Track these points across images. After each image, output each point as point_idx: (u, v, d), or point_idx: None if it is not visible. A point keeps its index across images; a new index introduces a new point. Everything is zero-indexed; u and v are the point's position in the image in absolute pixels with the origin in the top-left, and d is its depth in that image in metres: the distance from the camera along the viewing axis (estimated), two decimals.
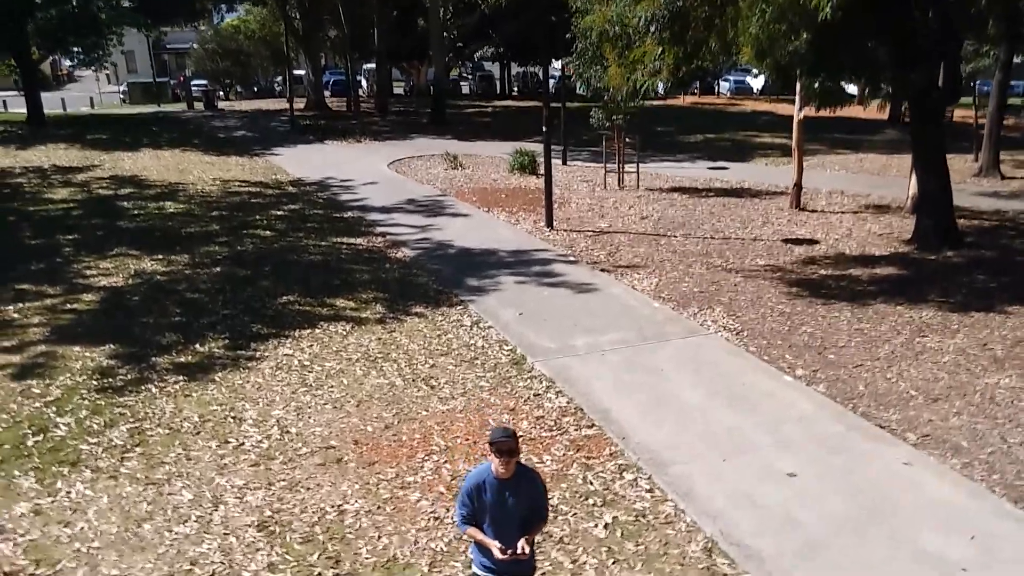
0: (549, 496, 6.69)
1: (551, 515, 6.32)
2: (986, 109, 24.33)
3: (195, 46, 60.00)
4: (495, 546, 4.79)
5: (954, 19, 12.82)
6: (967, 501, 7.22)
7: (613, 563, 6.42)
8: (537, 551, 6.48)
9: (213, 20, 54.64)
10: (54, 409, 8.98)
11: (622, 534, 6.79)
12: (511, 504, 4.86)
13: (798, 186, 19.12)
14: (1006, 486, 7.41)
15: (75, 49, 40.83)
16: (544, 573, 6.27)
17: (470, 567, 5.24)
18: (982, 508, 7.10)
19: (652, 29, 12.10)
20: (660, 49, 11.93)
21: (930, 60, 14.64)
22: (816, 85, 14.61)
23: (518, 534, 4.84)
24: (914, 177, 17.85)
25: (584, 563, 6.42)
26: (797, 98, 18.03)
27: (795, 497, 7.27)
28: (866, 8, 12.01)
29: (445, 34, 42.50)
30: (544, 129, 17.30)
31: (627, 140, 22.04)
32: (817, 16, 10.52)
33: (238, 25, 57.84)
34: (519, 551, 4.77)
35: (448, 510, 7.06)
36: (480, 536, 4.90)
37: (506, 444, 4.75)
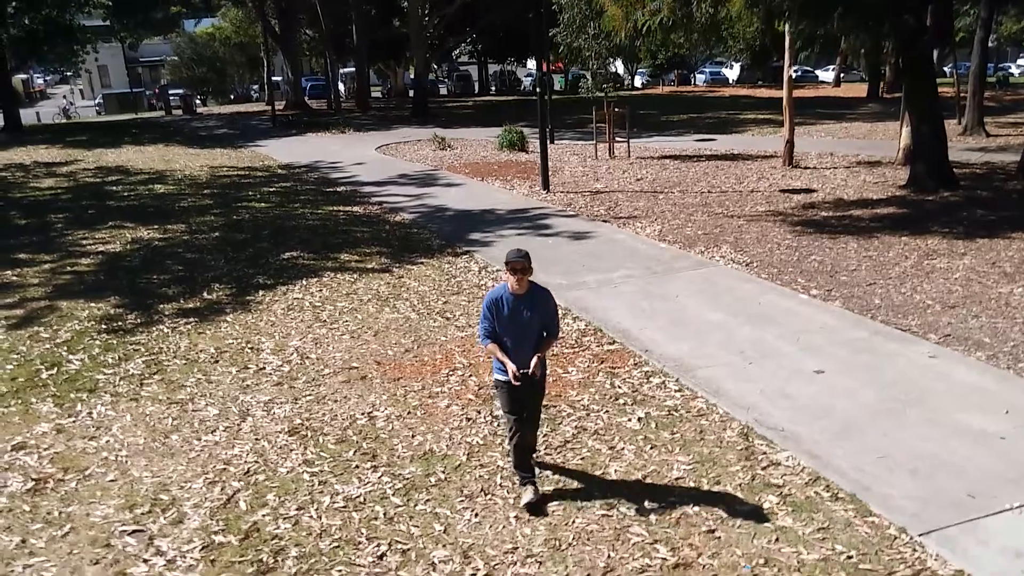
0: (574, 388, 6.68)
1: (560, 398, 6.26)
2: (965, 85, 24.61)
3: (168, 58, 59.61)
4: (511, 367, 5.23)
5: None
6: (996, 385, 7.21)
7: (651, 448, 6.34)
8: (573, 442, 6.44)
9: (185, 27, 54.18)
10: (65, 348, 8.81)
11: (656, 425, 6.71)
12: (526, 317, 5.33)
13: (790, 143, 19.18)
14: None
15: (50, 57, 40.47)
16: (583, 458, 6.18)
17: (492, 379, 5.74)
18: (1013, 389, 7.09)
19: None
20: None
21: (920, 2, 14.76)
22: (802, 27, 14.60)
23: (532, 350, 5.31)
24: (905, 130, 17.99)
25: (622, 449, 6.33)
26: (787, 54, 18.11)
27: (826, 390, 7.23)
28: None
29: (425, 23, 42.40)
30: (538, 90, 17.29)
31: (616, 110, 22.03)
32: None
33: (213, 32, 57.55)
34: (530, 372, 5.23)
35: (480, 413, 6.98)
36: (499, 354, 5.35)
37: (519, 263, 5.23)
